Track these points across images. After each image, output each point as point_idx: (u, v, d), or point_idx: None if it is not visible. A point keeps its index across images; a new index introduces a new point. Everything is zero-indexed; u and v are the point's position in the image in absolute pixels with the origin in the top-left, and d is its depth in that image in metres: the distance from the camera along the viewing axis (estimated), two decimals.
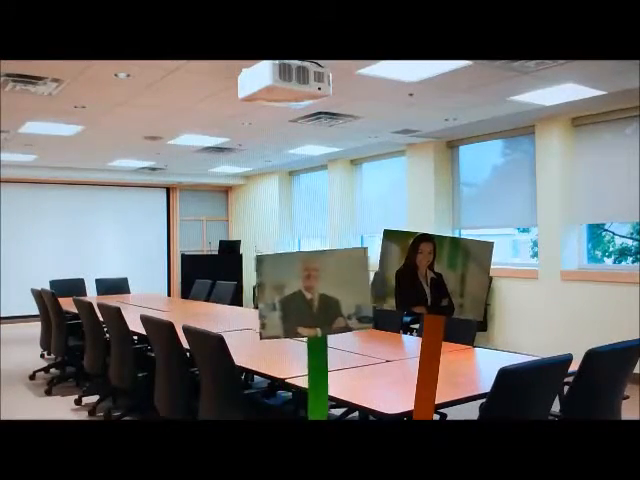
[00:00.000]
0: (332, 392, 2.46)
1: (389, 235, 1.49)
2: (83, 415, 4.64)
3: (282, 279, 1.38)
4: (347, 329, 1.42)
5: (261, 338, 1.42)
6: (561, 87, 4.83)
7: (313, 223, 9.99)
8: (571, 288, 5.90)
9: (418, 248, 1.48)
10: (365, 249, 1.45)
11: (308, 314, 1.40)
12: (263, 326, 1.39)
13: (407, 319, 6.20)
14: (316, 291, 1.40)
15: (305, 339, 1.45)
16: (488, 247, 1.48)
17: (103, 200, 10.74)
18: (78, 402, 4.89)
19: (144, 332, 3.71)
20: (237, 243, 10.84)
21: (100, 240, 10.66)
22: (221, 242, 10.86)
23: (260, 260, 1.38)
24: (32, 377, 5.82)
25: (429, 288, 1.48)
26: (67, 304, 5.39)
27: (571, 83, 4.73)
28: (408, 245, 1.48)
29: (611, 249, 6.23)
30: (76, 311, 4.95)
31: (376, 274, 1.54)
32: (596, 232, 6.20)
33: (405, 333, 5.79)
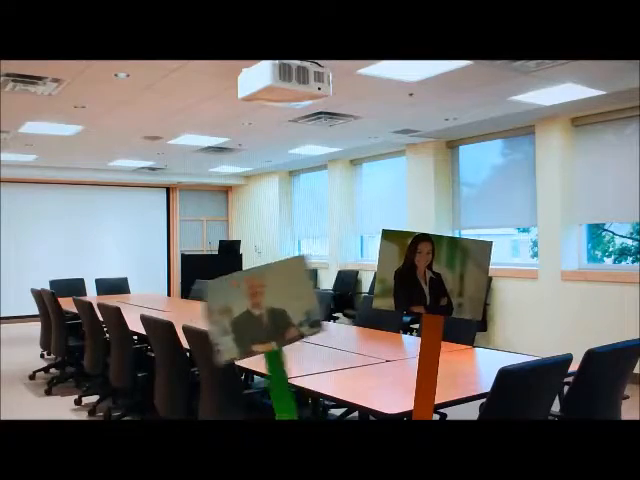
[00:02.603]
0: (332, 392, 2.47)
1: (387, 235, 1.49)
2: (83, 415, 4.64)
3: (228, 301, 1.40)
4: (300, 337, 1.44)
5: (218, 365, 1.44)
6: (561, 87, 4.83)
7: (313, 223, 9.99)
8: (571, 288, 5.90)
9: (417, 248, 1.48)
10: (303, 257, 1.46)
11: (260, 330, 1.42)
12: (218, 352, 1.41)
13: (407, 319, 6.20)
14: (263, 306, 1.41)
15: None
16: (487, 247, 1.48)
17: (103, 200, 10.75)
18: (78, 402, 4.90)
19: (144, 332, 3.71)
20: (237, 243, 10.85)
21: (100, 240, 10.66)
22: (221, 242, 10.86)
23: (206, 287, 1.40)
24: (32, 377, 5.82)
25: (428, 288, 1.48)
26: (67, 304, 5.39)
27: (571, 83, 4.74)
28: (407, 245, 1.48)
29: (611, 249, 6.23)
30: (76, 311, 4.95)
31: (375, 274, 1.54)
32: (596, 232, 6.20)
33: (405, 333, 5.79)
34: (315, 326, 1.44)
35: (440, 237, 1.48)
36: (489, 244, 1.48)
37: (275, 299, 1.42)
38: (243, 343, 1.41)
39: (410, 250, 1.48)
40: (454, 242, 1.48)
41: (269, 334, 1.42)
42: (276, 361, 1.45)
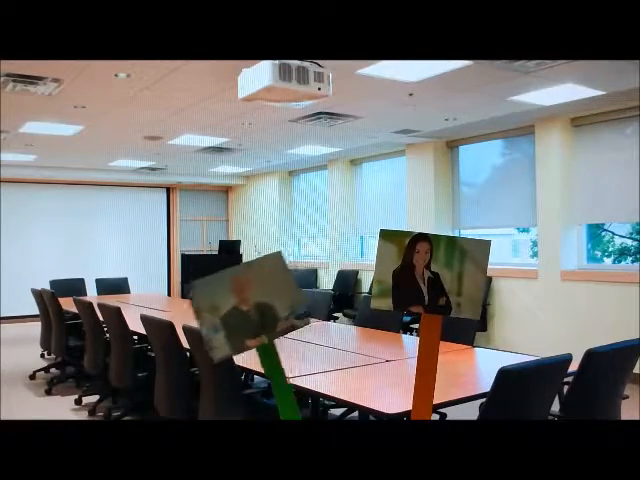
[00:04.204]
0: (332, 392, 2.47)
1: (385, 235, 1.49)
2: (83, 415, 4.64)
3: (216, 300, 1.40)
4: (292, 328, 1.44)
5: (214, 362, 1.45)
6: (561, 87, 4.83)
7: (313, 223, 9.99)
8: (571, 288, 5.90)
9: (415, 248, 1.47)
10: (279, 252, 1.47)
11: (250, 325, 1.42)
12: (211, 349, 1.41)
13: (407, 319, 6.20)
14: (251, 302, 1.41)
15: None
16: (485, 246, 1.48)
17: (103, 200, 10.74)
18: (78, 402, 4.90)
19: (144, 332, 3.71)
20: (237, 243, 10.85)
21: (100, 240, 10.66)
22: (221, 242, 10.86)
23: (192, 287, 1.40)
24: (32, 377, 5.82)
25: (426, 287, 1.48)
26: (67, 304, 5.39)
27: (571, 83, 4.73)
28: (405, 245, 1.48)
29: (611, 249, 6.23)
30: (76, 311, 4.95)
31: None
32: (596, 232, 6.20)
33: (405, 333, 5.79)
34: (302, 317, 1.45)
35: (438, 236, 1.48)
36: (487, 243, 1.48)
37: (261, 294, 1.42)
38: (235, 339, 1.41)
39: (408, 250, 1.47)
40: (452, 241, 1.48)
41: (259, 328, 1.42)
42: (269, 355, 1.45)
